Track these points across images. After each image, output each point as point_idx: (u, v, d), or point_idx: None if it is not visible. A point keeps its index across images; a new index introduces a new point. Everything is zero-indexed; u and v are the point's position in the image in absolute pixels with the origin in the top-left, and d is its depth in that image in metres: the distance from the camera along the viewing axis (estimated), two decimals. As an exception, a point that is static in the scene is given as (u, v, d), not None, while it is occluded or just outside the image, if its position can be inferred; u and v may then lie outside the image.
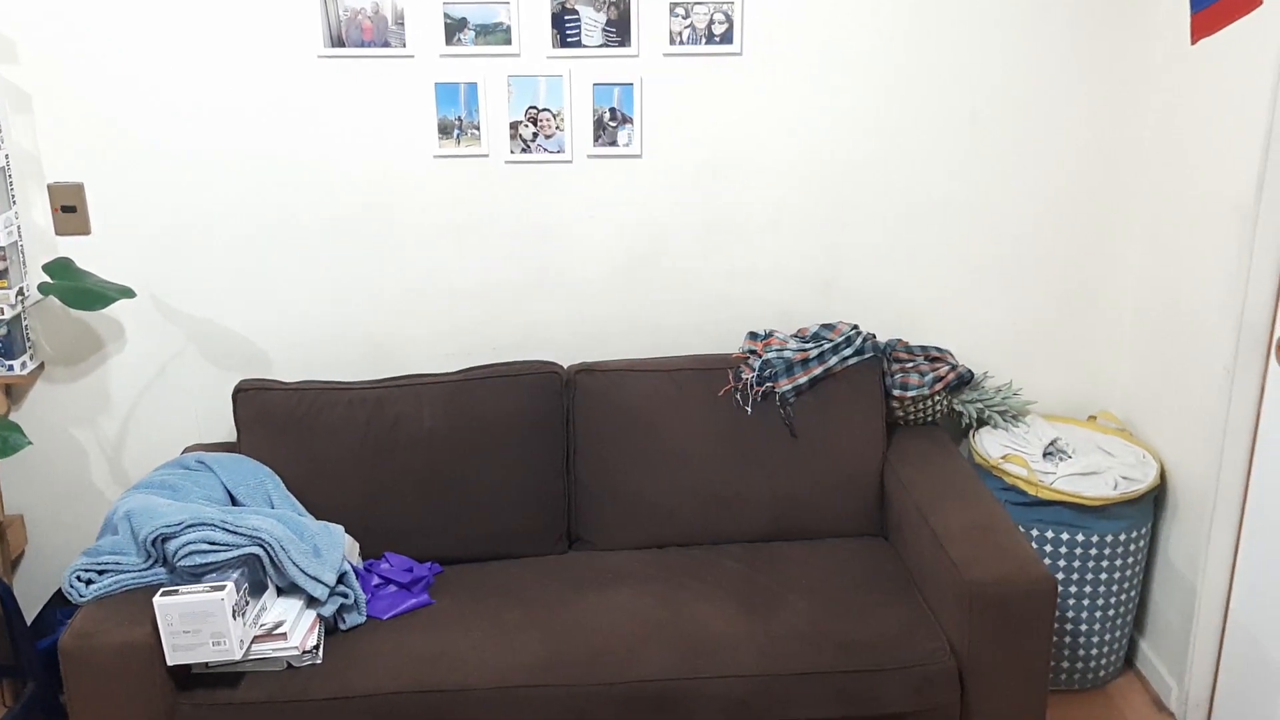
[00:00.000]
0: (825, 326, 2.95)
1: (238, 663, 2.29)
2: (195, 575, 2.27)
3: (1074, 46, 2.89)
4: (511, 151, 2.89)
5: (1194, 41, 2.68)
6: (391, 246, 2.94)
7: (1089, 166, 3.00)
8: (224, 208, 2.88)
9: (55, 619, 2.89)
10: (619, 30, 2.81)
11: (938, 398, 2.94)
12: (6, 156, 2.77)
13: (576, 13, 2.78)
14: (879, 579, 2.64)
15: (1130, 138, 2.96)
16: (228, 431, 2.95)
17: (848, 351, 2.86)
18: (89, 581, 2.34)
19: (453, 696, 2.30)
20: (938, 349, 3.02)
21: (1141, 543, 2.86)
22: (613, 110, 2.87)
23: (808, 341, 2.91)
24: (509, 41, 2.80)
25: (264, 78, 2.79)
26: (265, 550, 2.31)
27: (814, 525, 2.85)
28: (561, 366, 2.87)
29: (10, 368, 2.82)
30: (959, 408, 3.01)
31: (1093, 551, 2.79)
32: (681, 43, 2.83)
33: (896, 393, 2.91)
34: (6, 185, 2.78)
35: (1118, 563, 2.82)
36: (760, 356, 2.86)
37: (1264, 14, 2.42)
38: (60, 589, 2.97)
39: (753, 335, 2.98)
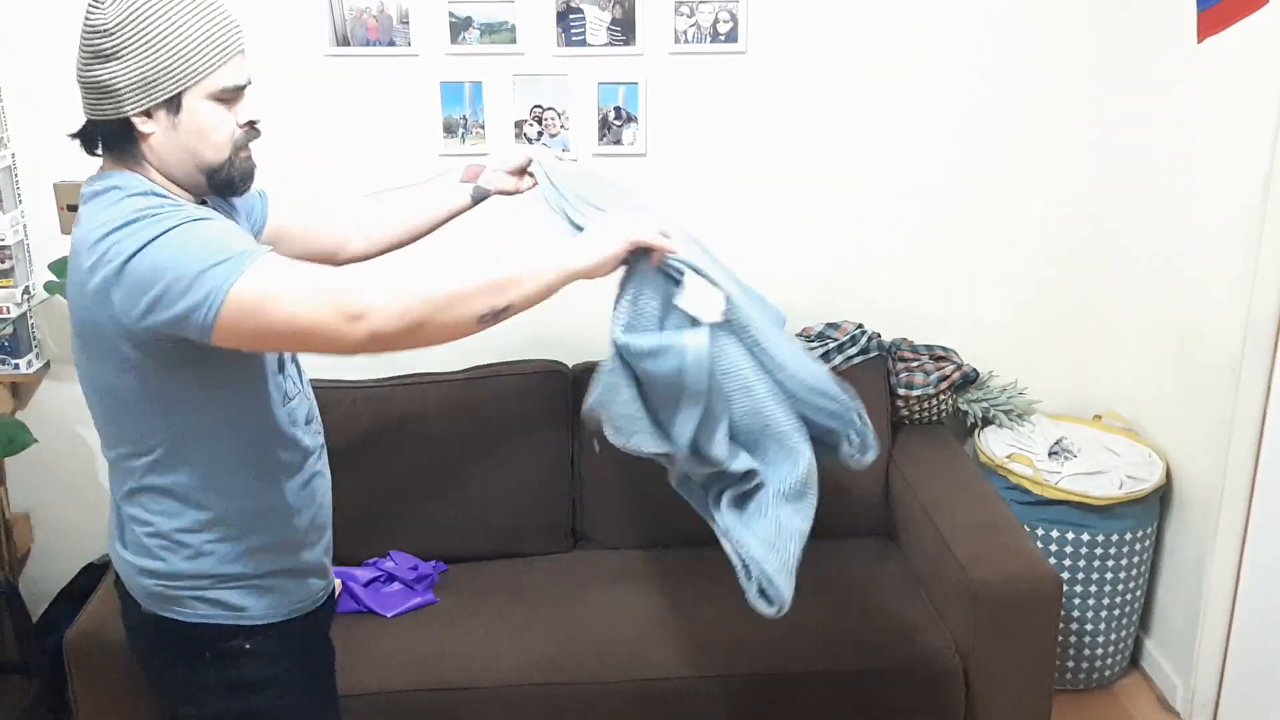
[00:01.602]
0: (830, 325, 2.95)
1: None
2: None
3: (1079, 44, 2.89)
4: (516, 150, 2.89)
5: (1200, 39, 2.67)
6: (396, 245, 2.94)
7: (1094, 165, 2.99)
8: (229, 206, 2.88)
9: (61, 617, 2.89)
10: (624, 29, 2.81)
11: (943, 397, 2.94)
12: (13, 155, 2.78)
13: (581, 11, 2.78)
14: (884, 578, 2.64)
15: (1136, 136, 2.95)
16: (233, 430, 2.95)
17: (853, 350, 2.86)
18: None
19: (457, 695, 2.31)
20: (943, 348, 3.01)
21: (1147, 542, 2.86)
22: (617, 109, 2.87)
23: (812, 340, 2.91)
24: (514, 40, 2.80)
25: (270, 77, 2.79)
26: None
27: (819, 525, 2.83)
28: (567, 365, 2.87)
29: (16, 366, 2.83)
30: (964, 407, 3.00)
31: (1098, 551, 2.78)
32: (686, 41, 2.83)
33: (901, 392, 2.91)
34: (13, 184, 2.78)
35: (1123, 562, 2.81)
36: None
37: (1271, 12, 2.41)
38: (64, 588, 2.97)
39: None
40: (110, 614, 2.25)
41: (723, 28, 2.82)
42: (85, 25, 1.47)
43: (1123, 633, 2.91)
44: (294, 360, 1.76)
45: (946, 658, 2.37)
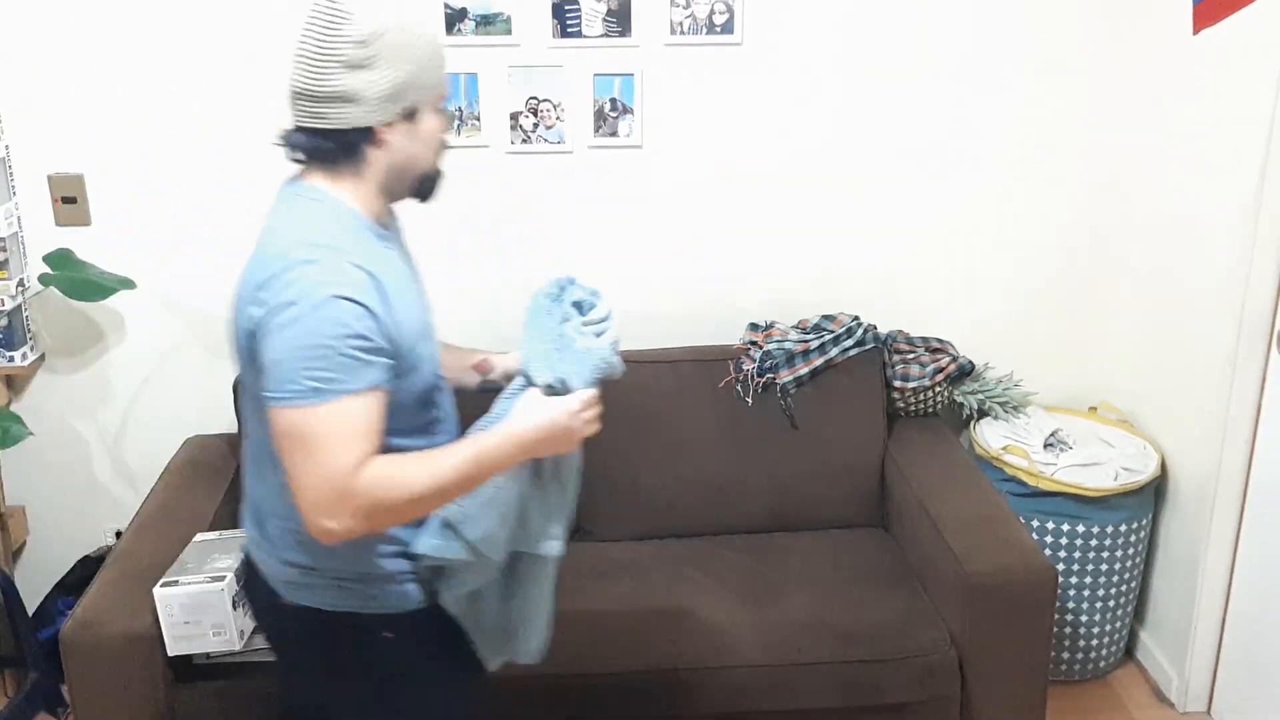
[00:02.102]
0: (826, 318, 2.95)
1: (238, 653, 2.29)
2: None
3: (1075, 37, 2.89)
4: (512, 142, 2.88)
5: (1196, 31, 2.67)
6: (392, 237, 2.94)
7: (1090, 158, 2.99)
8: (224, 198, 2.87)
9: (56, 609, 2.89)
10: (619, 20, 2.80)
11: (939, 389, 2.94)
12: (7, 147, 2.77)
13: (577, 3, 2.78)
14: (879, 570, 2.64)
15: (1131, 129, 2.95)
16: (228, 422, 2.94)
17: (849, 342, 2.86)
18: None
19: (453, 687, 2.31)
20: (939, 340, 3.01)
21: (1142, 533, 2.86)
22: (613, 101, 2.87)
23: (808, 333, 2.91)
24: (509, 31, 2.79)
25: (265, 68, 2.79)
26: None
27: (814, 516, 2.85)
28: (562, 357, 2.86)
29: (11, 359, 2.82)
30: (960, 399, 3.00)
31: (1093, 542, 2.79)
32: (682, 33, 2.82)
33: (898, 384, 2.91)
34: (7, 176, 2.77)
35: (1118, 553, 2.81)
36: (761, 347, 2.85)
37: (1266, 4, 2.41)
38: (60, 580, 2.97)
39: (753, 326, 2.98)
40: (106, 607, 2.26)
41: (719, 19, 2.82)
42: (333, 34, 1.52)
43: (1117, 624, 2.91)
44: (445, 391, 1.79)
45: (941, 649, 2.37)
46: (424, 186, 1.70)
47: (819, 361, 2.83)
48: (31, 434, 2.61)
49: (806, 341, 2.85)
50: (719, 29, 2.82)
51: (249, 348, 1.55)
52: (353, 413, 1.50)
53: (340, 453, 1.49)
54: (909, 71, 2.90)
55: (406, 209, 3.01)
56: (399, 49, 1.54)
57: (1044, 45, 2.89)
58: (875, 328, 2.93)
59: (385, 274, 1.57)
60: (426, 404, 1.70)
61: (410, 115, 1.59)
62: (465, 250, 2.96)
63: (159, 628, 2.21)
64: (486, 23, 2.78)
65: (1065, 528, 2.79)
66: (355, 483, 1.49)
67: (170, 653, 2.23)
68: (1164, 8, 2.79)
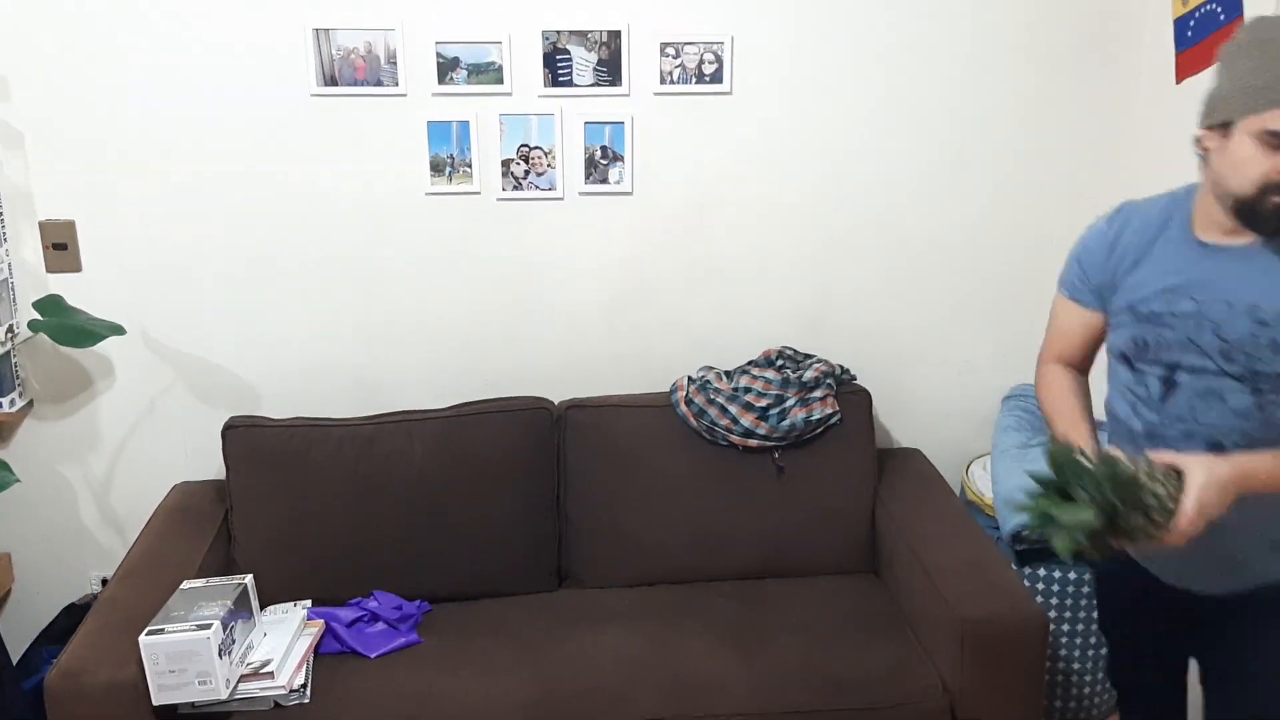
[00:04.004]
0: (812, 360, 2.94)
1: (224, 702, 2.27)
2: None
3: (1059, 84, 2.92)
4: (503, 189, 2.90)
5: (1179, 81, 2.71)
6: (383, 283, 2.95)
7: (1074, 203, 3.01)
8: (215, 245, 2.88)
9: (41, 658, 2.86)
10: (610, 70, 2.83)
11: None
12: (-1, 194, 2.78)
13: (568, 52, 2.81)
14: (870, 616, 2.63)
15: (1115, 175, 2.98)
16: (217, 469, 2.94)
17: (835, 384, 2.86)
18: None
19: (441, 736, 2.28)
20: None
21: (1133, 580, 2.85)
22: (604, 148, 2.89)
23: (806, 381, 2.90)
24: (501, 81, 2.82)
25: (257, 116, 2.81)
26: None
27: (805, 562, 2.84)
28: (552, 402, 2.87)
29: (-1, 405, 2.82)
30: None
31: (1085, 589, 2.78)
32: (672, 82, 2.85)
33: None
34: (-2, 222, 2.78)
35: (1110, 600, 2.80)
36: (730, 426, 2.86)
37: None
38: (45, 629, 2.94)
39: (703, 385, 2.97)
40: (91, 655, 2.23)
41: (708, 68, 2.85)
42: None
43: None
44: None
45: (934, 696, 2.36)
46: (1239, 211, 1.65)
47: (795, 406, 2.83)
48: (18, 480, 2.59)
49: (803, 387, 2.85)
50: (708, 78, 2.85)
51: None
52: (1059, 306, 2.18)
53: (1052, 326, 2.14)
54: (897, 120, 2.93)
55: (389, 248, 3.01)
56: (1234, 55, 1.61)
57: (1028, 95, 2.92)
58: (850, 371, 2.93)
59: (1141, 246, 1.88)
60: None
61: (1225, 128, 1.63)
62: (456, 295, 2.97)
63: (144, 676, 2.19)
64: (478, 72, 2.81)
65: (1057, 574, 2.78)
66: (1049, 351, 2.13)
67: (155, 702, 2.20)
68: (1146, 56, 2.83)
